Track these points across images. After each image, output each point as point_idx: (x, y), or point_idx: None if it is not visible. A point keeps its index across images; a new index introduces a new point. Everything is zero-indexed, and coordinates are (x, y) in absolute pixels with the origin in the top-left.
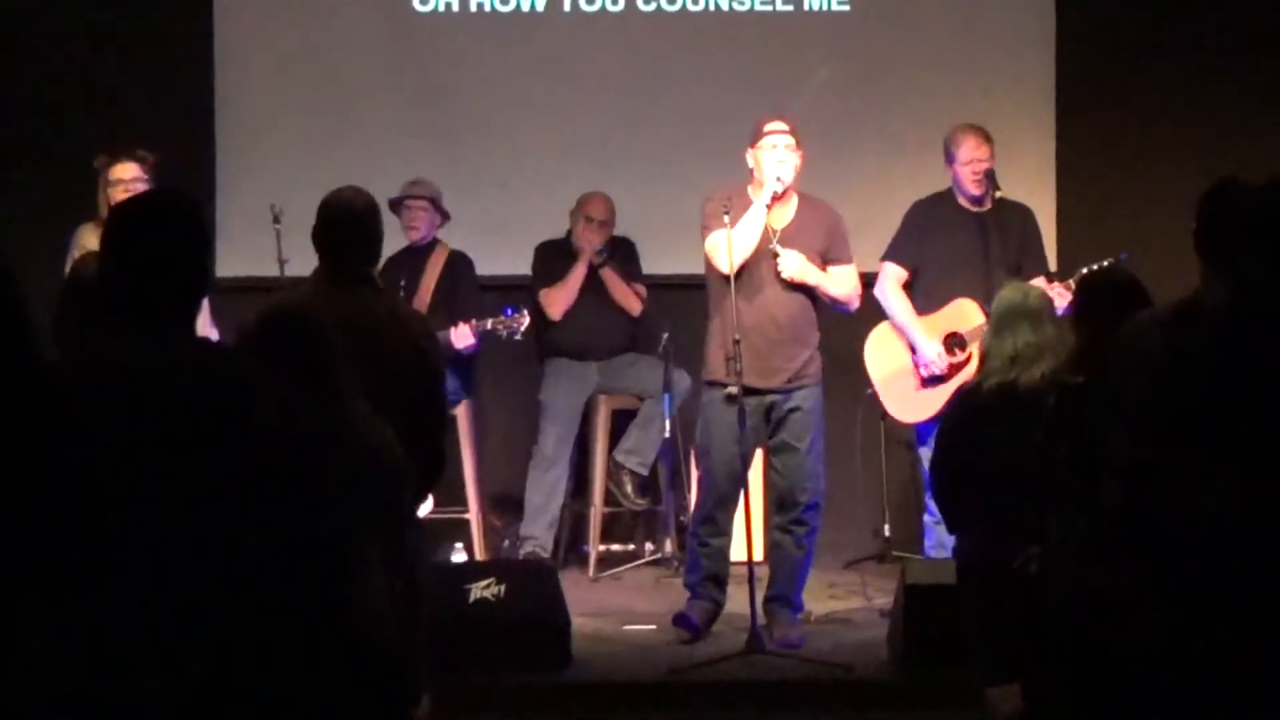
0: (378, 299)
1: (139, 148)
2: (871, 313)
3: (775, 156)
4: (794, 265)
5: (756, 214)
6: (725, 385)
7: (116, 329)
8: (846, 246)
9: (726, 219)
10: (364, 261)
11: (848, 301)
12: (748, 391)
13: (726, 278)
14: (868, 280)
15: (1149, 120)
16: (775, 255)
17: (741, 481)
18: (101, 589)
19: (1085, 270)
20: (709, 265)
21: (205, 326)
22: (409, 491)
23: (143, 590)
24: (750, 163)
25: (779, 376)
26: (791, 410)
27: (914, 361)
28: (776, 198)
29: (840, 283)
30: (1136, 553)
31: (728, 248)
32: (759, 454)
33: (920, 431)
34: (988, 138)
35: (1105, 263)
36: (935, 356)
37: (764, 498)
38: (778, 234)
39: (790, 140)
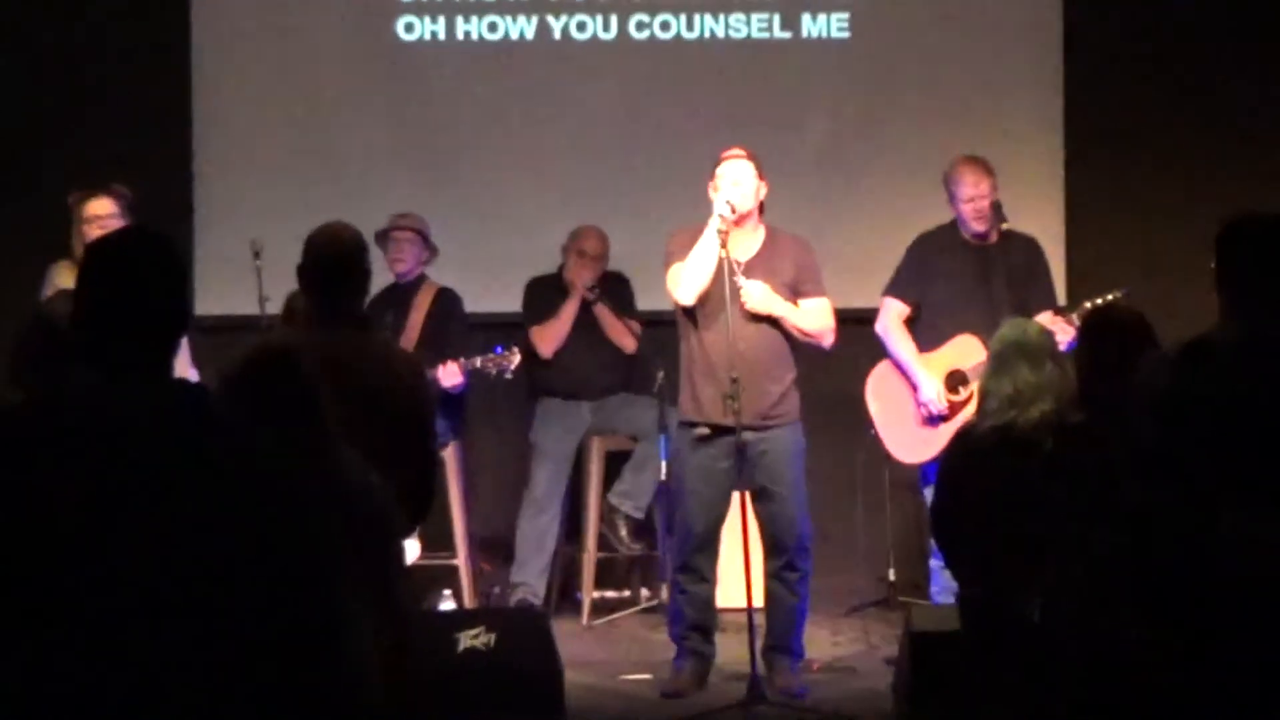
0: (369, 339)
1: (114, 183)
2: (873, 351)
3: (729, 182)
4: (757, 296)
5: (708, 240)
6: (695, 425)
7: (88, 371)
8: (817, 280)
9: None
10: (353, 299)
11: (818, 336)
12: (718, 430)
13: (689, 312)
14: (863, 316)
15: (1160, 148)
16: (740, 288)
17: (720, 525)
18: (69, 643)
19: (1087, 305)
20: (676, 304)
21: (185, 367)
22: (398, 540)
23: (111, 649)
24: (711, 196)
25: (748, 414)
26: (765, 451)
27: (916, 400)
28: (733, 224)
29: (811, 317)
30: (1141, 601)
31: (683, 277)
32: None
33: (925, 472)
34: (988, 170)
35: (1107, 297)
36: (935, 395)
37: (761, 543)
38: (742, 266)
39: (746, 166)
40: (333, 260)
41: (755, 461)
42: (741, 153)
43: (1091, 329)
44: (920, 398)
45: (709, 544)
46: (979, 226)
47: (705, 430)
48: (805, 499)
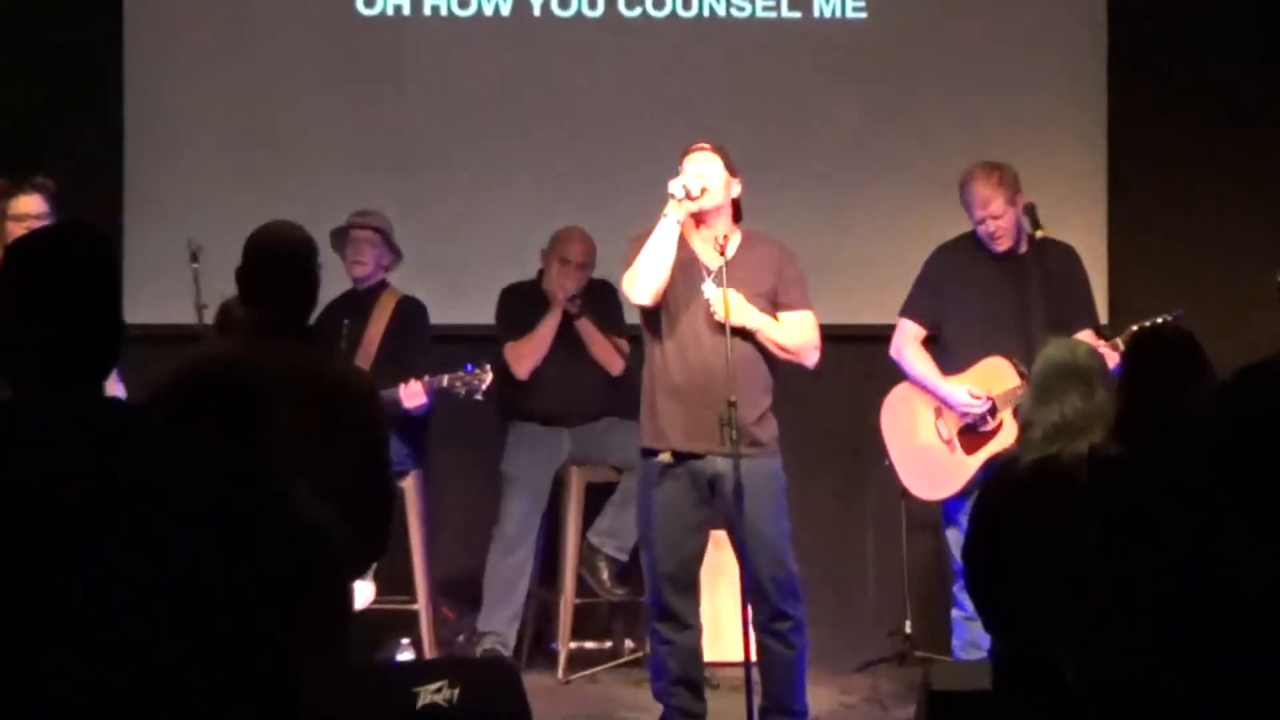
0: (311, 353)
1: (37, 174)
2: (888, 372)
3: (690, 170)
4: (725, 304)
5: (663, 230)
6: (656, 453)
7: (15, 385)
8: (801, 290)
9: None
10: (297, 309)
11: (799, 353)
12: (683, 458)
13: (652, 323)
14: (876, 334)
15: (1210, 150)
16: (707, 297)
17: (697, 566)
18: None
19: (1135, 328)
20: (640, 314)
21: (110, 384)
22: (351, 580)
23: (26, 677)
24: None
25: (716, 440)
26: (749, 485)
27: (936, 428)
28: (699, 215)
29: (790, 331)
30: (1187, 659)
31: (637, 274)
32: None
33: (948, 510)
34: (1002, 182)
35: (1157, 320)
36: (967, 397)
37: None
38: (711, 274)
39: (711, 159)
40: (275, 264)
41: (733, 495)
42: (706, 146)
43: (1136, 351)
44: (956, 408)
45: (685, 587)
46: (996, 247)
47: (667, 458)
48: (788, 537)
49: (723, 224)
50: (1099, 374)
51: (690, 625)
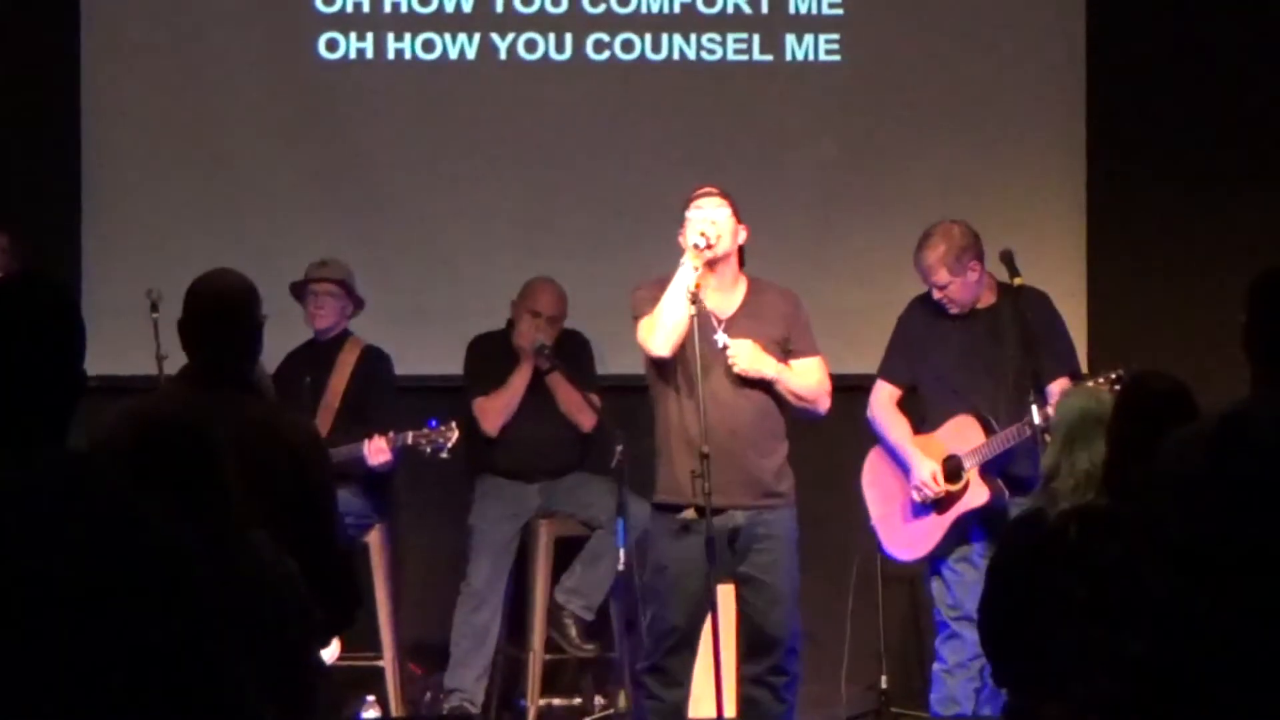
0: (247, 402)
1: None
2: (865, 422)
3: (699, 217)
4: (745, 355)
5: (681, 280)
6: (676, 509)
7: None
8: (809, 336)
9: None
10: (237, 358)
11: (814, 400)
12: (701, 513)
13: (665, 374)
14: (853, 384)
15: (1191, 194)
16: (724, 347)
17: (700, 623)
18: None
19: (1090, 384)
20: (648, 366)
21: None
22: (313, 638)
23: None
24: (681, 243)
25: (739, 494)
26: (758, 536)
27: (910, 492)
28: (705, 262)
29: (805, 378)
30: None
31: (656, 325)
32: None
33: (934, 563)
34: (948, 250)
35: (1119, 371)
36: (928, 476)
37: (735, 640)
38: (723, 323)
39: (721, 206)
40: (213, 312)
41: (748, 547)
42: (714, 191)
43: (1123, 400)
44: (912, 481)
45: (686, 644)
46: (954, 310)
47: (691, 515)
48: (798, 593)
49: (730, 272)
50: None
51: (681, 684)
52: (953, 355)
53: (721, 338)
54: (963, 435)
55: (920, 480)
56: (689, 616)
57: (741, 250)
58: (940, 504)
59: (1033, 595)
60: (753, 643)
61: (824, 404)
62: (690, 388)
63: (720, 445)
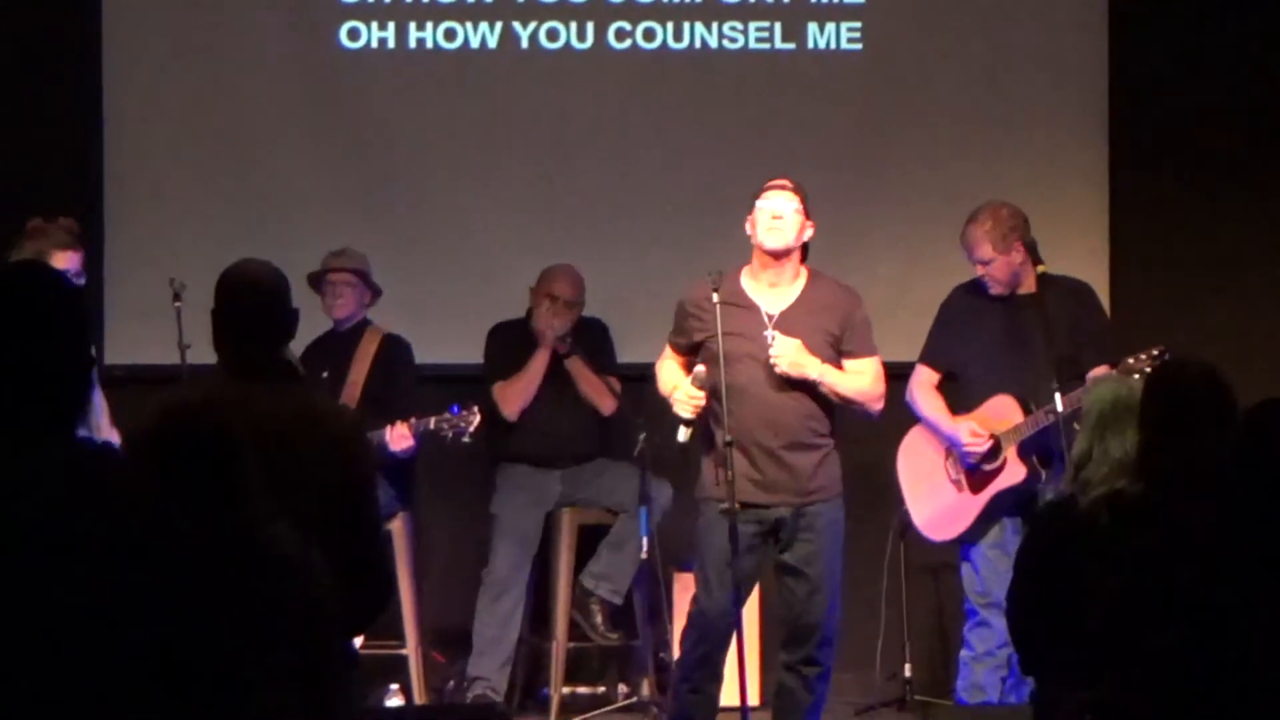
0: (289, 392)
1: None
2: (893, 414)
3: (767, 216)
4: (789, 356)
5: (678, 411)
6: (719, 502)
7: None
8: (866, 337)
9: (699, 367)
10: (274, 346)
11: (865, 402)
12: (746, 508)
13: (711, 370)
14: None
15: (1215, 180)
16: (769, 345)
17: (739, 614)
18: None
19: (1129, 360)
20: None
21: (107, 429)
22: (337, 629)
23: None
24: (748, 232)
25: (783, 491)
26: (802, 529)
27: (946, 469)
28: (773, 254)
29: (853, 380)
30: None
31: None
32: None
33: (964, 549)
34: (994, 227)
35: (1152, 352)
36: (968, 435)
37: (759, 630)
38: (774, 319)
39: (790, 200)
40: (247, 301)
41: (787, 539)
42: (785, 184)
43: (1154, 386)
44: (955, 447)
45: (729, 637)
46: (996, 290)
47: (726, 505)
48: (840, 586)
49: (790, 268)
50: None
51: (719, 675)
52: (996, 340)
53: (770, 334)
54: (1001, 415)
55: (963, 439)
56: (724, 611)
57: (805, 246)
58: (976, 482)
59: (1062, 583)
60: (790, 631)
61: (876, 406)
62: (734, 385)
63: (763, 443)
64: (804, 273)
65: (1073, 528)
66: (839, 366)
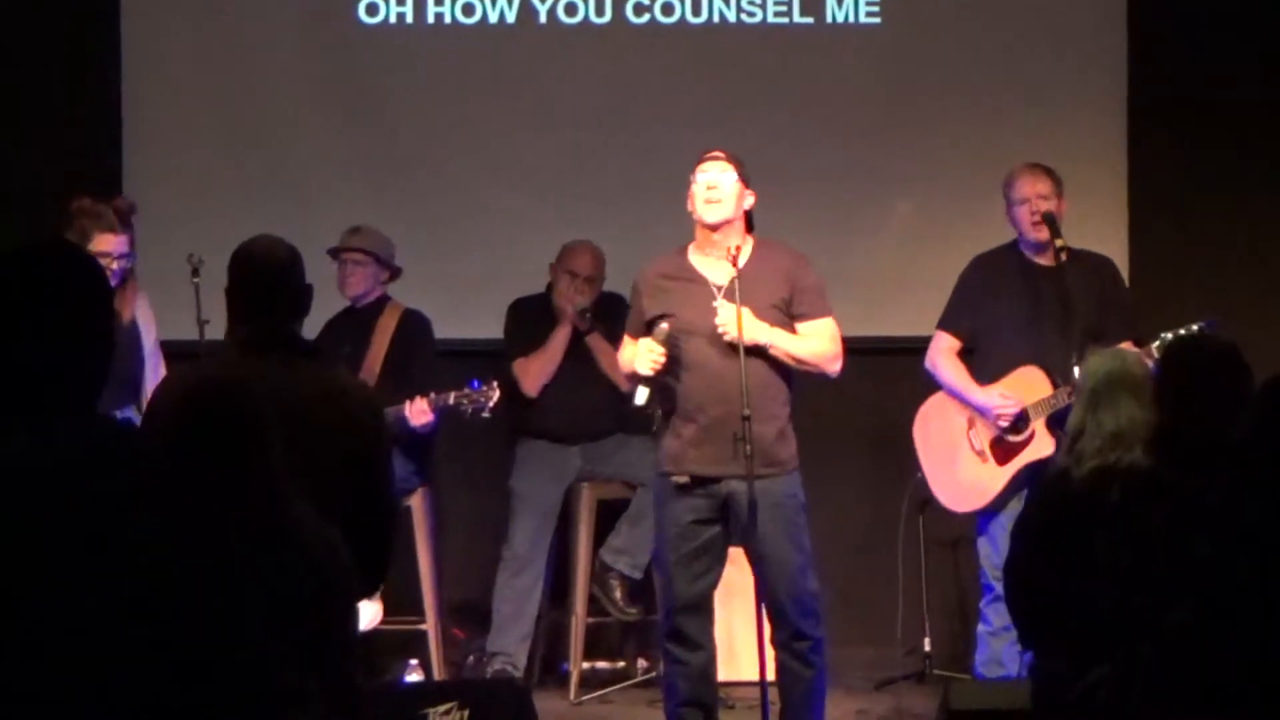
0: (304, 366)
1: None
2: (909, 385)
3: (703, 188)
4: (734, 322)
5: (639, 367)
6: (671, 475)
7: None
8: (818, 299)
9: (662, 324)
10: (285, 322)
11: (818, 364)
12: (699, 481)
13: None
14: (891, 347)
15: (1235, 153)
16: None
17: (709, 585)
18: None
19: (1168, 335)
20: None
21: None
22: (357, 599)
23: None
24: (689, 207)
25: (733, 463)
26: (766, 505)
27: (969, 439)
28: (710, 227)
29: (807, 342)
30: (1214, 690)
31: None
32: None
33: (980, 522)
34: (1049, 174)
35: (1192, 328)
36: (998, 399)
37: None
38: (722, 290)
39: (725, 170)
40: (258, 276)
41: (751, 516)
42: (719, 154)
43: (1172, 361)
44: (988, 414)
45: (697, 609)
46: (1036, 234)
47: (684, 479)
48: (809, 558)
49: (734, 236)
50: (1149, 385)
51: (702, 646)
52: (1020, 310)
53: (718, 304)
54: (1029, 386)
55: (993, 405)
56: (692, 585)
57: (749, 215)
58: (1001, 454)
59: (1062, 557)
60: (769, 610)
61: (831, 367)
62: (684, 357)
63: (713, 415)
64: (750, 241)
65: (1069, 500)
66: (792, 331)
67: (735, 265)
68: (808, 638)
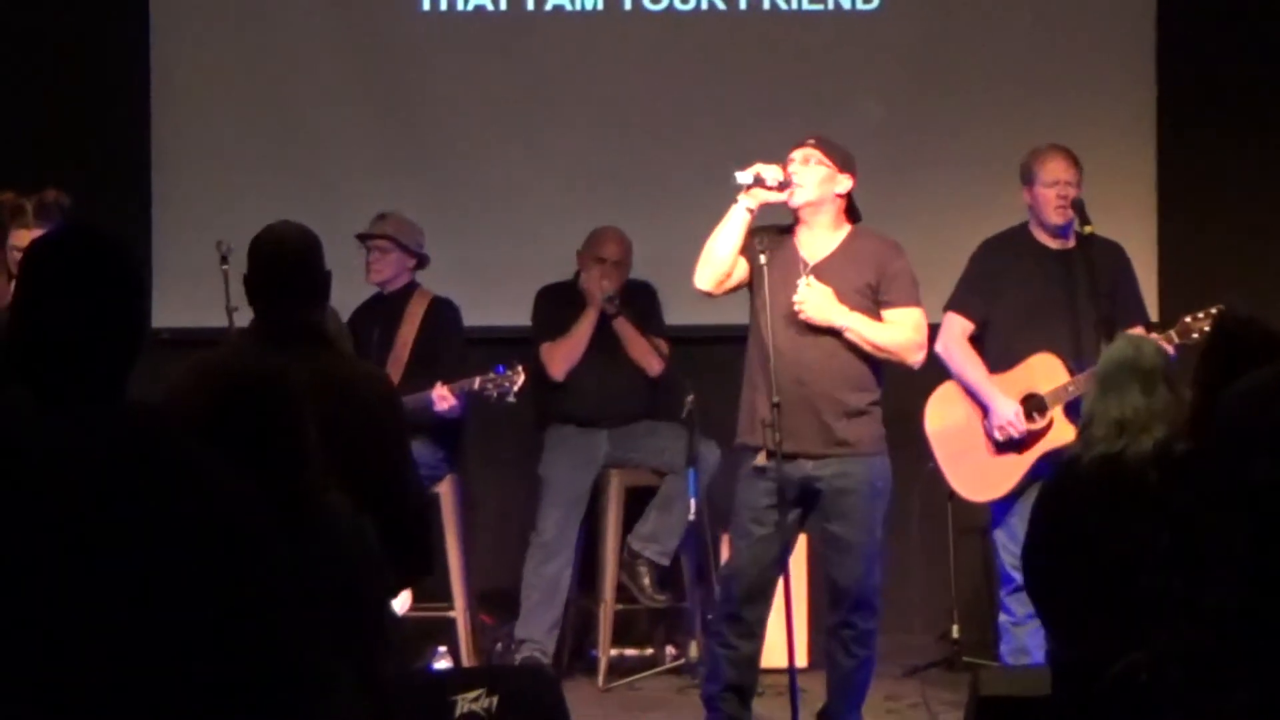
0: (321, 357)
1: (52, 188)
2: (932, 370)
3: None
4: (813, 302)
5: (732, 215)
6: (752, 451)
7: (24, 399)
8: (906, 288)
9: (762, 259)
10: (303, 309)
11: (897, 353)
12: (782, 458)
13: (753, 321)
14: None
15: (1263, 138)
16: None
17: (775, 572)
18: None
19: (1187, 319)
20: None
21: None
22: (388, 586)
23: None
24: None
25: (812, 443)
26: (834, 488)
27: (984, 427)
28: (796, 209)
29: (886, 330)
30: (1255, 676)
31: (702, 260)
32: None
33: (995, 512)
34: (1076, 162)
35: (1211, 311)
36: (1013, 416)
37: (806, 591)
38: (809, 267)
39: (810, 152)
40: (275, 263)
41: (824, 498)
42: (808, 141)
43: (1210, 345)
44: (995, 420)
45: (762, 594)
46: (1058, 219)
47: (763, 460)
48: (878, 548)
49: (823, 220)
50: (1162, 373)
51: (756, 635)
52: (1033, 293)
53: (803, 281)
54: (1046, 373)
55: (1005, 420)
56: (761, 567)
57: (851, 199)
58: (1021, 442)
59: (1073, 543)
60: (828, 593)
61: (912, 357)
62: (767, 333)
63: (790, 393)
64: (847, 227)
65: (1076, 486)
66: (877, 318)
67: (802, 265)
68: (854, 627)
